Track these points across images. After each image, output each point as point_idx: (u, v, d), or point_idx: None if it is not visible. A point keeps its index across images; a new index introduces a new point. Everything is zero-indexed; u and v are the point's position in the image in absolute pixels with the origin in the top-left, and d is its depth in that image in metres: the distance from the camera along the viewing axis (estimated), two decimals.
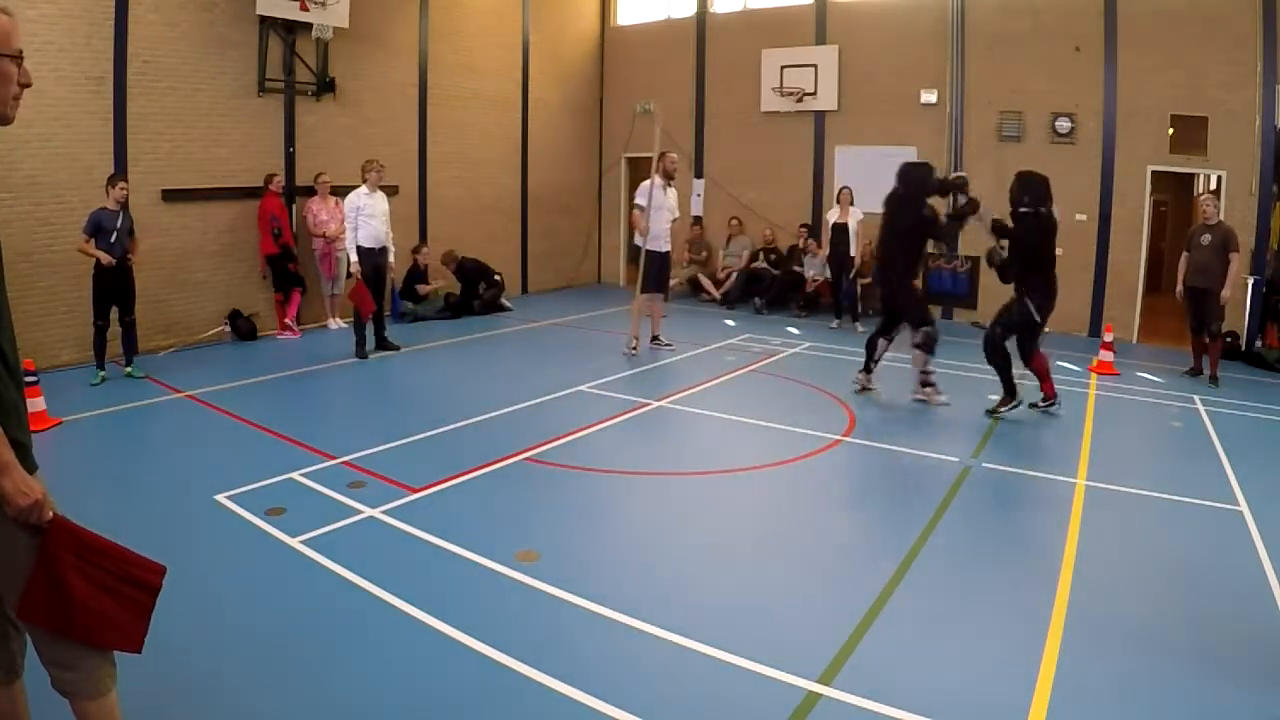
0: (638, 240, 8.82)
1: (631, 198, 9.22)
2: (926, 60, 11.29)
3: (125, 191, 7.03)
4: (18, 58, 1.90)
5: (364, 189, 8.36)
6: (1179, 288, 8.25)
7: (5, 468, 1.78)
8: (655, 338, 9.11)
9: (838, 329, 10.58)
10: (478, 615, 3.43)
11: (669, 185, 8.80)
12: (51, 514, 1.87)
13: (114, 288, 7.00)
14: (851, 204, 10.45)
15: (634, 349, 8.77)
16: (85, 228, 6.88)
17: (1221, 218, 8.27)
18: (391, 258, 8.79)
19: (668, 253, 8.87)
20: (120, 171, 7.67)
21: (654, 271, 8.76)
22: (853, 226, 10.42)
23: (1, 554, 1.89)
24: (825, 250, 11.31)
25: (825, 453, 5.78)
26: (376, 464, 5.22)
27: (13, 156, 7.23)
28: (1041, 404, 6.73)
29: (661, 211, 8.68)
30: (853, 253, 10.48)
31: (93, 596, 1.92)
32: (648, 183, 8.75)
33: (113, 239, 6.89)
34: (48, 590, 1.88)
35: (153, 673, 2.72)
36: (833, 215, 10.63)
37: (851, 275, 10.70)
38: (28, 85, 1.96)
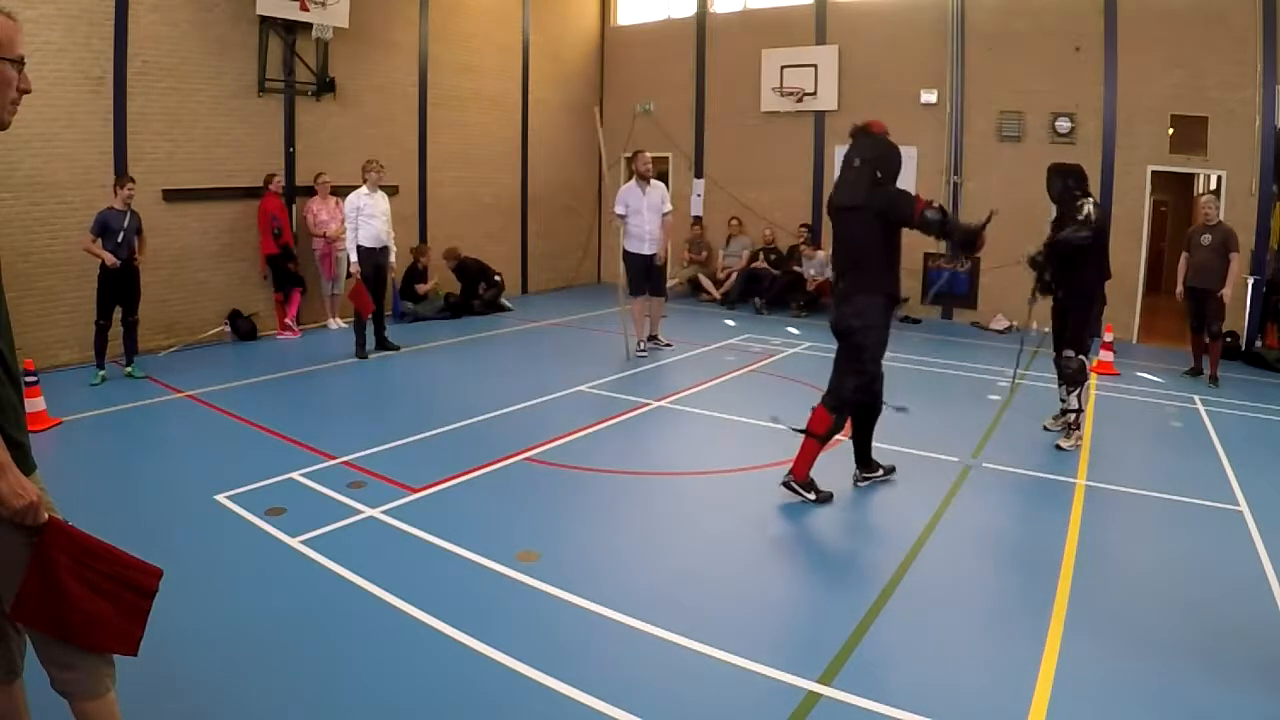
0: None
1: (669, 196, 8.96)
2: (926, 60, 11.29)
3: (132, 192, 7.03)
4: (18, 62, 1.90)
5: (364, 189, 8.37)
6: (1179, 288, 8.26)
7: (1, 469, 1.77)
8: (653, 336, 9.07)
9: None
10: (478, 615, 3.43)
11: (648, 184, 8.60)
12: (47, 516, 1.86)
13: (119, 288, 7.00)
14: None
15: (642, 351, 8.73)
16: (92, 228, 6.88)
17: (1221, 218, 8.27)
18: (393, 258, 8.79)
19: (652, 254, 8.59)
20: (124, 172, 7.67)
21: (636, 274, 8.63)
22: None
23: (0, 555, 1.89)
24: (828, 250, 11.31)
25: (825, 452, 5.77)
26: (376, 464, 5.22)
27: (13, 157, 7.24)
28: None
29: (642, 213, 8.53)
30: None
31: (87, 599, 1.91)
32: (624, 187, 8.73)
33: (119, 239, 6.90)
34: (42, 592, 1.88)
35: (152, 673, 2.72)
36: None
37: None
38: (27, 91, 1.95)
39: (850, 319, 4.66)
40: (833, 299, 4.91)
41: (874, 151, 4.63)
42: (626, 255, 8.67)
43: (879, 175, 4.59)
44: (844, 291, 4.74)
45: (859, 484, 5.10)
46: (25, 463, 1.87)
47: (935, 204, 4.52)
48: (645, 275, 8.64)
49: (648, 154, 8.95)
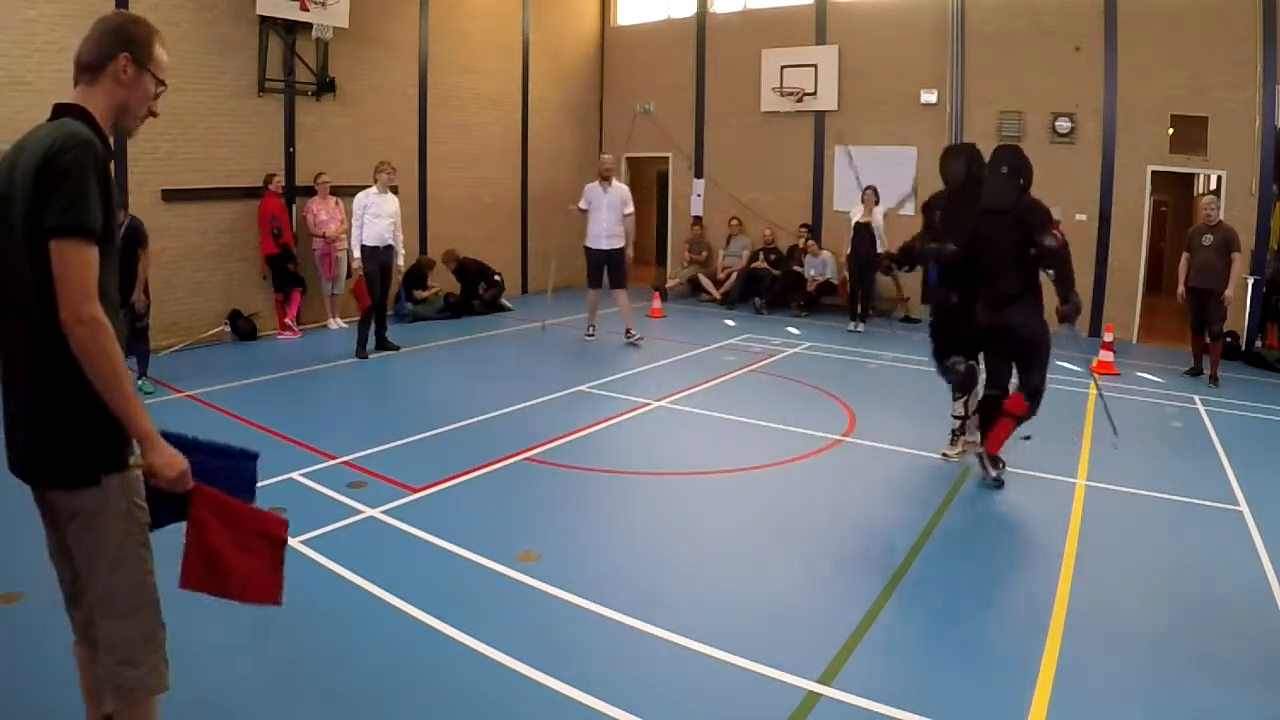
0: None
1: (631, 198, 9.54)
2: (926, 60, 11.29)
3: None
4: (161, 84, 2.12)
5: (374, 189, 8.36)
6: (1180, 289, 8.23)
7: (152, 443, 1.93)
8: (627, 330, 9.36)
9: (855, 332, 10.36)
10: (478, 615, 3.43)
11: (608, 184, 9.16)
12: (193, 482, 2.01)
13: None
14: (877, 203, 10.20)
15: (590, 334, 9.50)
16: None
17: (1222, 218, 8.25)
18: (400, 260, 8.76)
19: (610, 250, 9.16)
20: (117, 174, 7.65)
21: (593, 268, 9.29)
22: (878, 223, 10.23)
23: (92, 544, 1.95)
24: (830, 250, 11.44)
25: (825, 453, 5.78)
26: (376, 464, 5.21)
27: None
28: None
29: (600, 210, 9.09)
30: (880, 250, 10.33)
31: (238, 556, 2.08)
32: (588, 186, 9.34)
33: None
34: (202, 557, 2.02)
35: None
36: (856, 214, 10.52)
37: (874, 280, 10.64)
38: (154, 114, 2.16)
39: (1013, 319, 4.91)
40: (983, 301, 5.05)
41: (1017, 161, 4.98)
42: (586, 250, 9.37)
43: (1022, 183, 4.94)
44: (999, 294, 4.95)
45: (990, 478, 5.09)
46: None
47: (1060, 238, 4.78)
48: (600, 269, 9.26)
49: (608, 156, 9.66)
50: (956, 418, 5.72)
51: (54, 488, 1.93)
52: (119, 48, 1.99)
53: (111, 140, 2.07)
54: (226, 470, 2.20)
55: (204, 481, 2.05)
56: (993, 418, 5.09)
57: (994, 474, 5.04)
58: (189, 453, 2.07)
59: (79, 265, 1.77)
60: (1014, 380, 5.19)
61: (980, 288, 5.08)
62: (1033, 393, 5.02)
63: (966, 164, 5.41)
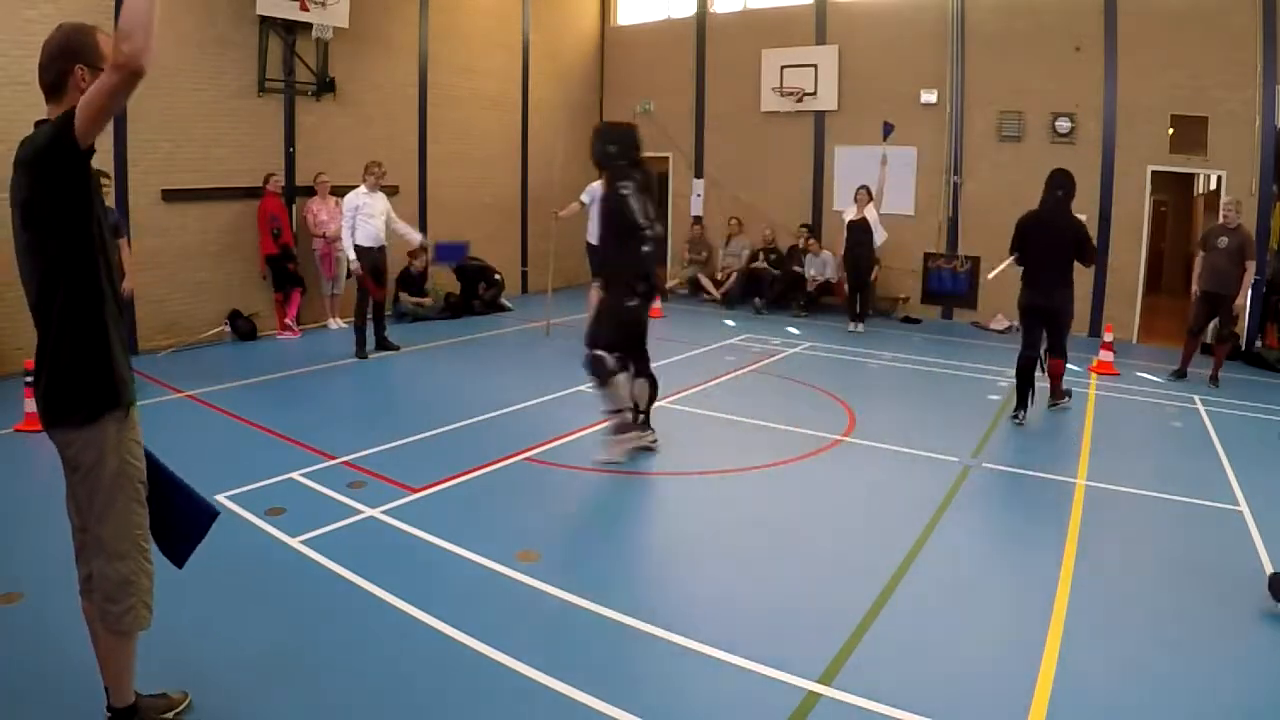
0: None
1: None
2: (926, 60, 11.29)
3: None
4: None
5: (363, 188, 8.35)
6: (1194, 289, 8.12)
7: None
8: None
9: (854, 332, 10.36)
10: (478, 615, 3.43)
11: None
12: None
13: None
14: (870, 201, 10.27)
15: None
16: None
17: (1241, 221, 8.10)
18: (404, 230, 8.75)
19: None
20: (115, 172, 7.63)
21: (597, 264, 9.39)
22: (875, 219, 10.28)
23: (89, 492, 2.27)
24: (830, 250, 11.44)
25: (825, 453, 5.79)
26: (376, 464, 5.22)
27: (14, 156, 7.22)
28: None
29: None
30: (878, 241, 10.40)
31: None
32: (595, 184, 9.16)
33: None
34: None
35: (150, 674, 2.72)
36: (849, 214, 10.53)
37: (873, 277, 10.68)
38: None
39: (1063, 303, 6.45)
40: (1034, 288, 6.44)
41: (1068, 186, 6.44)
42: (590, 247, 9.33)
43: (1061, 194, 6.44)
44: (1048, 284, 6.37)
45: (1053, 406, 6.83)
46: (128, 395, 2.35)
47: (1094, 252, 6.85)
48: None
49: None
50: (616, 411, 5.42)
51: (61, 428, 2.26)
52: (70, 62, 2.18)
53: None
54: (184, 511, 2.57)
55: (158, 512, 2.45)
56: (1033, 380, 6.48)
57: (1065, 402, 6.87)
58: (158, 485, 2.41)
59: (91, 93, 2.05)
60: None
61: (1029, 279, 6.48)
62: (1064, 350, 6.64)
63: (604, 145, 5.32)
